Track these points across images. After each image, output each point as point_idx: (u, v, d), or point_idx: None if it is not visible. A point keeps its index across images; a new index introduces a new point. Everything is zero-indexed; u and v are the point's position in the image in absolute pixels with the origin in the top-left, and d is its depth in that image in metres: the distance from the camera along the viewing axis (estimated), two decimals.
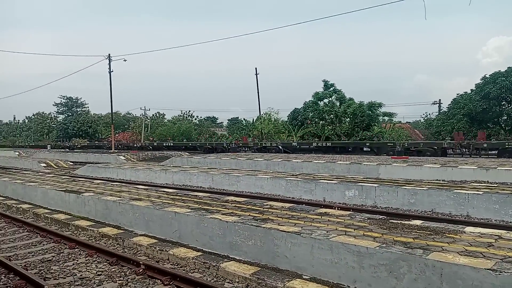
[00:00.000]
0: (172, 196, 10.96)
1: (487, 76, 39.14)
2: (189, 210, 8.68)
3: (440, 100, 55.56)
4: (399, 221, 7.38)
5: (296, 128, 43.91)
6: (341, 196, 12.58)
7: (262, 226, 6.99)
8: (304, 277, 6.02)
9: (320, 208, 9.33)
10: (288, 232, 6.54)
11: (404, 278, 5.19)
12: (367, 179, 14.04)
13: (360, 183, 12.66)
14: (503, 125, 39.19)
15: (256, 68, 49.11)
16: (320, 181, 13.50)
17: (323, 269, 5.98)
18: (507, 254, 5.14)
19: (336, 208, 10.50)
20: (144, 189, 13.02)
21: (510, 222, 9.48)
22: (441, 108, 53.00)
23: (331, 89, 43.91)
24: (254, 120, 52.21)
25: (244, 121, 61.40)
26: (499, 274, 4.48)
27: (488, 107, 37.83)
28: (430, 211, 10.82)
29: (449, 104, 42.69)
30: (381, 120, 42.48)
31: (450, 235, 6.20)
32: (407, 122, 67.98)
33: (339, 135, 40.77)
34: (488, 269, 4.58)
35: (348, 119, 41.73)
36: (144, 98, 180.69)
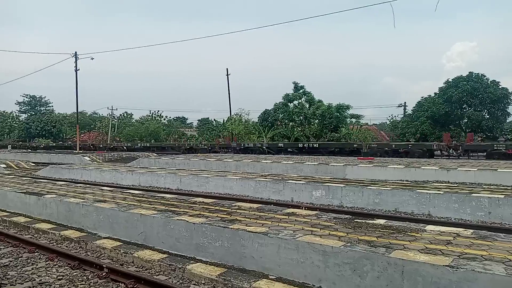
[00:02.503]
0: (138, 198, 10.74)
1: (449, 80, 40.81)
2: (155, 212, 8.53)
3: (405, 102, 57.48)
4: (363, 221, 7.53)
5: (267, 129, 44.11)
6: (309, 196, 12.72)
7: (230, 227, 6.96)
8: (270, 277, 6.03)
9: (288, 208, 9.39)
10: (255, 232, 6.54)
11: (367, 276, 5.29)
12: (334, 180, 14.26)
13: (327, 183, 12.84)
14: (463, 127, 40.81)
15: (227, 69, 49.02)
16: (289, 181, 13.61)
17: (289, 268, 6.01)
18: (464, 251, 5.34)
19: (304, 208, 10.61)
20: (109, 190, 12.70)
21: (468, 221, 9.87)
22: (406, 110, 54.62)
23: (301, 91, 44.41)
24: (225, 121, 52.03)
25: (214, 121, 61.07)
26: (456, 270, 4.64)
27: (450, 110, 39.39)
28: (393, 211, 11.10)
29: (414, 107, 44.10)
30: (348, 122, 43.34)
31: (411, 234, 6.38)
32: (373, 124, 69.62)
33: (308, 136, 41.28)
34: (446, 265, 4.75)
35: (317, 120, 42.40)
36: (112, 98, 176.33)
